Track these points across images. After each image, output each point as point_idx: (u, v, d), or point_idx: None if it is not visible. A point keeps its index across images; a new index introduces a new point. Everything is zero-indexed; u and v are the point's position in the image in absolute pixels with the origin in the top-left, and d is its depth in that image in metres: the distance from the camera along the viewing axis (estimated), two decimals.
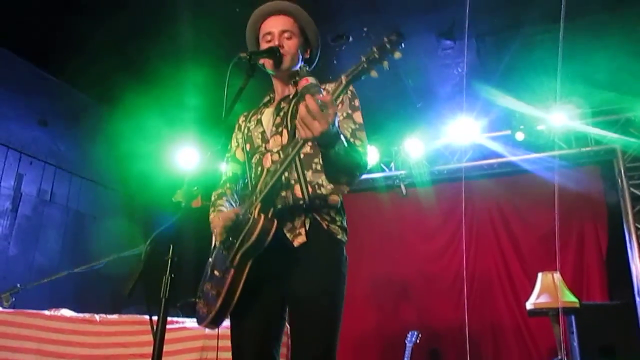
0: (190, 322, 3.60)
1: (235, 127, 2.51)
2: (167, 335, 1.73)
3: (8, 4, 4.76)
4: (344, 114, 2.18)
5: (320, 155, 1.99)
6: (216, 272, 2.14)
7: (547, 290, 4.88)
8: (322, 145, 1.86)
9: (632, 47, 5.28)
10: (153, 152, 6.55)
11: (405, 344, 5.48)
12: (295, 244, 2.09)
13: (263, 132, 2.30)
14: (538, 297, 4.91)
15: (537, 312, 4.97)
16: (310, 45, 2.43)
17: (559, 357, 4.69)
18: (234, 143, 2.48)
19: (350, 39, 5.32)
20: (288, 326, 2.19)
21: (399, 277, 7.14)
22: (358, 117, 2.22)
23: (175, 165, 6.77)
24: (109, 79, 5.66)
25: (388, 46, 1.72)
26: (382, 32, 1.74)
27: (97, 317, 3.56)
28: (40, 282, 3.92)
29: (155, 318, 1.75)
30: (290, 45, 2.30)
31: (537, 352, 6.31)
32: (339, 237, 2.16)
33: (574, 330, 5.20)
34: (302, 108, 1.73)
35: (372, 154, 6.93)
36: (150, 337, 1.70)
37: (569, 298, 4.84)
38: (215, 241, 2.21)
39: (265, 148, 2.26)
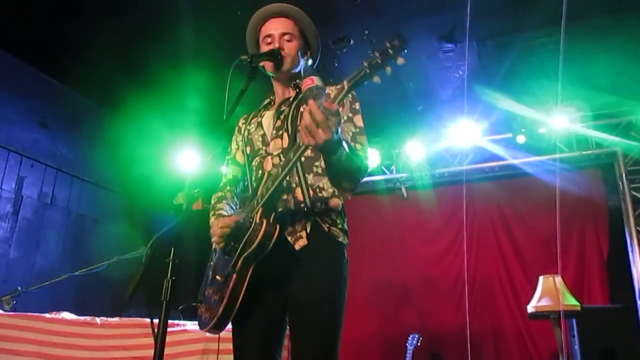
0: (191, 325, 3.60)
1: (235, 129, 2.51)
2: (168, 338, 1.73)
3: (10, 8, 4.77)
4: (345, 118, 2.18)
5: (321, 159, 1.98)
6: (218, 277, 2.14)
7: (548, 294, 4.87)
8: (324, 152, 1.86)
9: (633, 51, 5.28)
10: (154, 155, 6.56)
11: (406, 347, 5.48)
12: (297, 247, 2.09)
13: (263, 135, 2.29)
14: (539, 300, 4.90)
15: (538, 316, 4.96)
16: (310, 47, 2.43)
17: None
18: (234, 145, 2.48)
19: (352, 41, 5.32)
20: (289, 329, 2.19)
21: (400, 280, 7.13)
22: (358, 120, 2.22)
23: (176, 168, 6.77)
24: (110, 82, 5.67)
25: (391, 51, 1.68)
26: (383, 35, 1.73)
27: (98, 320, 3.56)
28: (41, 285, 3.92)
29: (156, 321, 1.75)
30: (290, 48, 2.30)
31: (538, 355, 6.30)
32: (340, 239, 2.16)
33: (575, 333, 5.19)
34: (306, 115, 1.72)
35: (373, 157, 6.94)
36: (151, 340, 1.70)
37: (570, 301, 4.83)
38: (215, 246, 2.20)
39: (266, 151, 2.26)
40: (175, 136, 6.56)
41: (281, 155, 2.19)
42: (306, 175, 2.17)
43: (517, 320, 6.49)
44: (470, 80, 5.93)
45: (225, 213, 2.28)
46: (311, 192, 2.15)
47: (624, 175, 6.28)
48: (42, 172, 6.01)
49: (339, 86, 1.79)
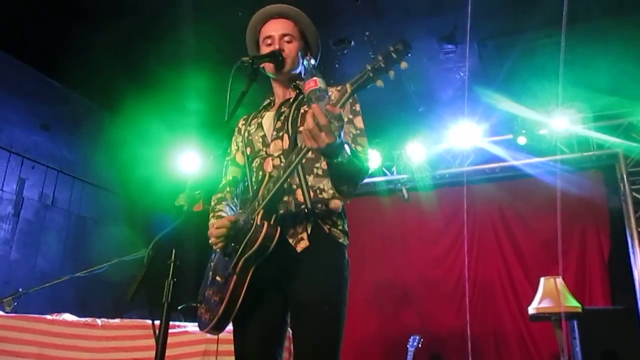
0: (192, 327, 3.59)
1: (235, 130, 2.51)
2: (169, 340, 1.73)
3: (11, 10, 4.78)
4: (345, 119, 2.17)
5: (322, 161, 1.98)
6: (218, 278, 2.13)
7: (549, 295, 4.86)
8: (326, 155, 1.86)
9: (634, 52, 5.29)
10: (154, 157, 6.57)
11: (407, 348, 5.46)
12: (298, 249, 2.09)
13: (264, 136, 2.29)
14: (540, 302, 4.90)
15: (539, 317, 4.95)
16: (310, 48, 2.43)
17: None
18: (234, 146, 2.47)
19: (352, 43, 5.32)
20: (290, 331, 2.19)
21: (401, 282, 7.13)
22: (359, 122, 2.22)
23: (176, 170, 6.78)
24: (111, 83, 5.68)
25: (394, 55, 1.66)
26: (384, 36, 1.73)
27: (99, 321, 3.55)
28: (42, 286, 3.91)
29: (157, 322, 1.74)
30: (290, 49, 2.30)
31: (539, 357, 6.29)
32: (340, 240, 2.16)
33: (577, 335, 5.18)
34: (309, 119, 1.72)
35: (374, 158, 6.94)
36: (152, 342, 1.70)
37: (572, 303, 4.82)
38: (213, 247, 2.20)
39: (266, 152, 2.26)
40: (176, 138, 6.57)
41: (281, 157, 2.19)
42: (307, 176, 2.17)
43: (518, 322, 6.48)
44: (471, 82, 5.93)
45: (224, 214, 2.27)
46: (312, 194, 2.15)
47: (625, 176, 6.28)
48: (43, 174, 6.01)
49: (341, 88, 1.79)
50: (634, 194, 6.23)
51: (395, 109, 6.36)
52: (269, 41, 2.31)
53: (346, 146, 1.88)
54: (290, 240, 2.10)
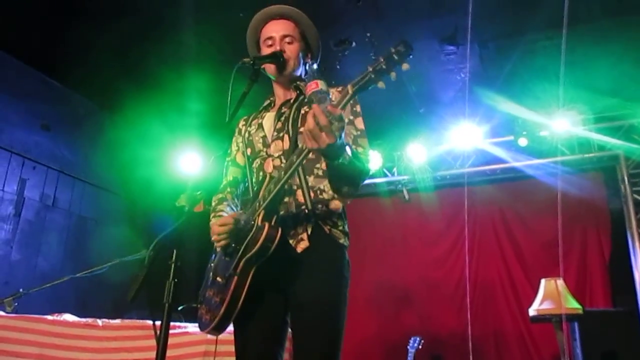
0: (193, 327, 3.59)
1: (235, 131, 2.51)
2: (170, 340, 1.72)
3: (11, 10, 4.78)
4: (346, 120, 2.18)
5: (322, 161, 1.98)
6: (218, 279, 2.13)
7: (550, 297, 4.86)
8: (327, 156, 1.86)
9: (635, 54, 5.28)
10: (155, 157, 6.57)
11: (408, 349, 5.46)
12: (299, 250, 2.09)
13: (264, 137, 2.29)
14: (541, 303, 4.90)
15: (540, 319, 4.95)
16: (311, 49, 2.43)
17: None
18: (234, 147, 2.47)
19: (353, 44, 5.32)
20: (291, 331, 2.18)
21: (401, 283, 7.13)
22: (360, 123, 2.22)
23: (177, 171, 6.78)
24: (112, 84, 5.68)
25: (396, 57, 1.66)
26: (385, 37, 1.73)
27: (99, 322, 3.56)
28: (43, 286, 3.91)
29: (158, 323, 1.74)
30: (291, 50, 2.30)
31: (539, 359, 6.29)
32: (341, 241, 2.16)
33: (577, 337, 5.18)
34: (310, 120, 1.72)
35: (374, 159, 6.94)
36: (152, 342, 1.70)
37: (572, 304, 4.82)
38: (215, 247, 2.20)
39: (267, 153, 2.26)
40: (176, 138, 6.58)
41: (282, 157, 2.19)
42: (307, 177, 2.17)
43: (519, 324, 6.48)
44: (471, 83, 5.93)
45: (225, 214, 2.27)
46: (312, 195, 2.15)
47: (625, 178, 6.28)
48: (44, 174, 6.02)
49: (342, 89, 1.79)
50: (635, 195, 6.23)
51: (396, 110, 6.36)
52: (269, 42, 2.31)
53: (347, 147, 1.88)
54: (291, 241, 2.10)
